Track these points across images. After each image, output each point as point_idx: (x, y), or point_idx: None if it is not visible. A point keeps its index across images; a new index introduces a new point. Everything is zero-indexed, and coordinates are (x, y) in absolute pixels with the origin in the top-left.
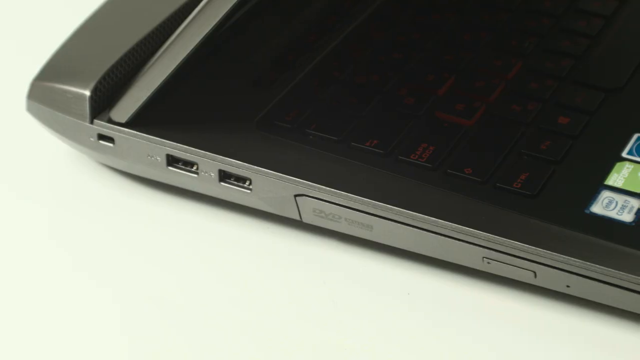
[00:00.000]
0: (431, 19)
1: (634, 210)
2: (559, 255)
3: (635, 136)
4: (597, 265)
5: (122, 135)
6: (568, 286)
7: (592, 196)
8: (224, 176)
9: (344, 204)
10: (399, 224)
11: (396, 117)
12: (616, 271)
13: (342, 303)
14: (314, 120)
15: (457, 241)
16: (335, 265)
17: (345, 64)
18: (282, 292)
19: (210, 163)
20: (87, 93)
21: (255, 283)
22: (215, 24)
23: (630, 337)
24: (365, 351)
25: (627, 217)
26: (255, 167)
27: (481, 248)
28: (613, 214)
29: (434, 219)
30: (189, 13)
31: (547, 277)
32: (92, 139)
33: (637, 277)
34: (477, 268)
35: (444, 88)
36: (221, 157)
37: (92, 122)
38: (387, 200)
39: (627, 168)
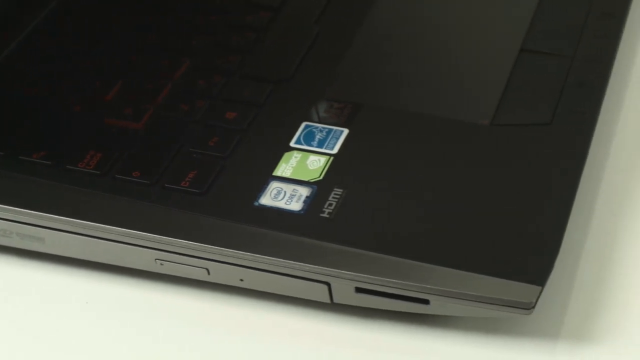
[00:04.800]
0: (99, 24)
1: (302, 198)
2: (227, 250)
3: (303, 125)
4: (265, 257)
5: None
6: (242, 280)
7: (261, 188)
8: None
9: (11, 219)
10: (68, 234)
11: (64, 127)
12: (285, 260)
13: (21, 318)
14: None
15: (127, 245)
16: (13, 281)
17: (12, 75)
18: None
19: None
20: None
21: None
22: None
23: (308, 324)
24: None
25: (296, 205)
26: None
27: (152, 250)
28: (282, 204)
29: (101, 225)
30: None
31: (220, 273)
32: None
33: (305, 264)
34: (152, 270)
35: (111, 93)
36: None
37: None
38: (54, 210)
39: (295, 157)
